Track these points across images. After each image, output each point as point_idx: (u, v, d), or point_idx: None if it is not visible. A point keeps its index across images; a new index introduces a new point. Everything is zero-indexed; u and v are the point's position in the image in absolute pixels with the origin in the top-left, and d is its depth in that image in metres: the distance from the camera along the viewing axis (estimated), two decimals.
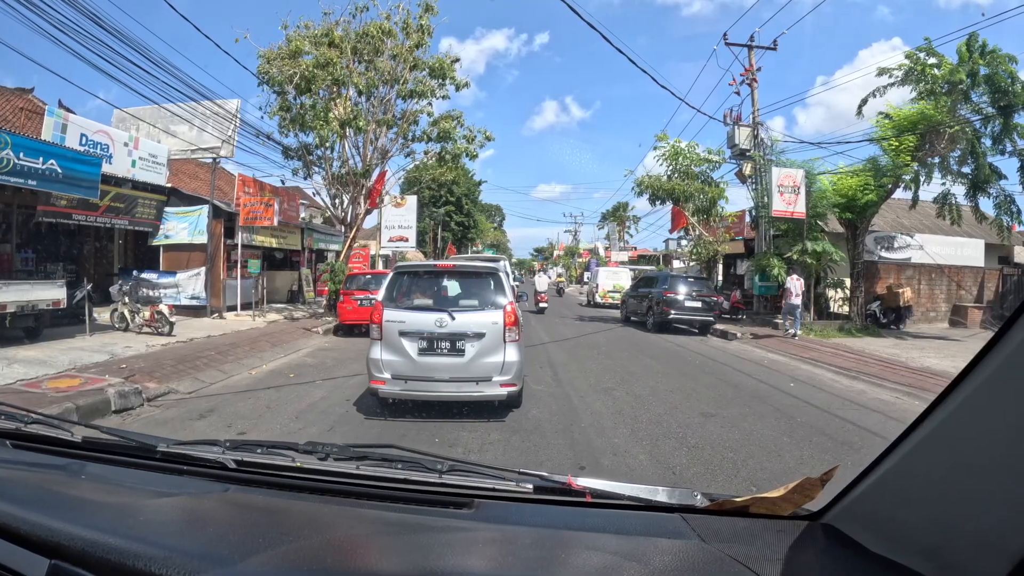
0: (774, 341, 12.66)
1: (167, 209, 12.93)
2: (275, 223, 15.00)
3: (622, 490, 1.19)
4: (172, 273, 13.02)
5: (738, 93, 17.55)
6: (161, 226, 12.82)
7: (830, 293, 16.77)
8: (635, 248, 51.49)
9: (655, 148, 18.08)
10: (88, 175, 9.21)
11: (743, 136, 17.23)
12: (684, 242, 26.46)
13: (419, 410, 5.54)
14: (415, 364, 5.27)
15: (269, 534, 0.97)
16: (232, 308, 14.05)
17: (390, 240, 24.56)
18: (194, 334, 10.19)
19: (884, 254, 18.28)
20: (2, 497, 1.01)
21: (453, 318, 5.29)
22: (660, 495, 1.18)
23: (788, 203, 14.43)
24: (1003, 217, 14.45)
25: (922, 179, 14.52)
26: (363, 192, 15.53)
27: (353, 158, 15.50)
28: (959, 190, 14.64)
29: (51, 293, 8.69)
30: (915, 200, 15.32)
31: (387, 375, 5.29)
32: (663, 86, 28.65)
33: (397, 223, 24.13)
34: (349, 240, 15.91)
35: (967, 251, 19.36)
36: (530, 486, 1.19)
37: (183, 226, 13.25)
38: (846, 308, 16.09)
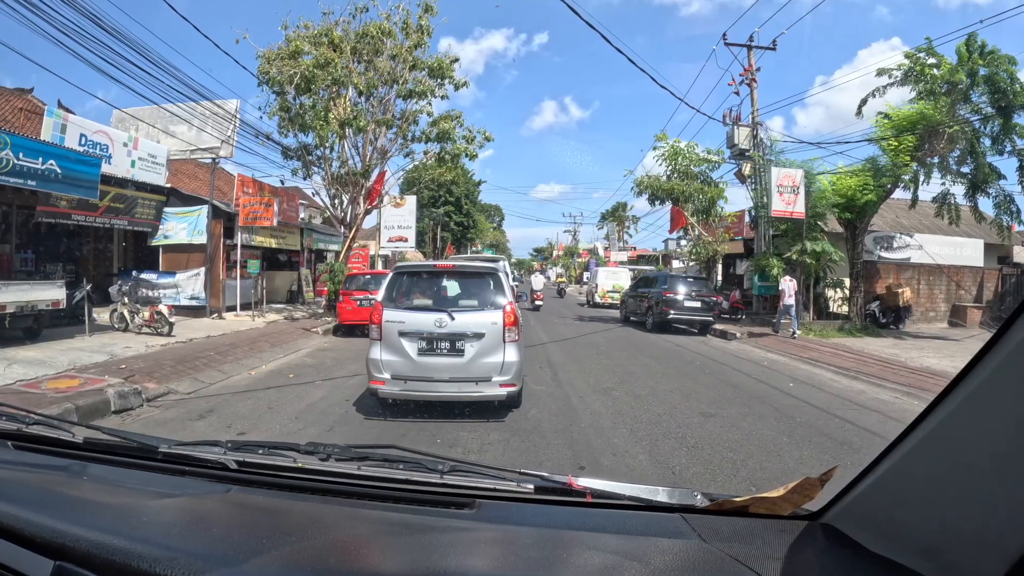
0: (773, 341, 12.67)
1: (166, 209, 12.92)
2: (274, 223, 15.01)
3: (622, 490, 1.19)
4: (171, 273, 13.01)
5: (737, 93, 17.57)
6: (160, 226, 12.81)
7: (829, 293, 16.79)
8: (634, 248, 51.48)
9: (654, 148, 18.10)
10: (87, 175, 9.20)
11: (742, 136, 17.24)
12: (683, 242, 26.46)
13: (419, 410, 5.54)
14: (415, 364, 5.27)
15: (272, 534, 0.98)
16: (231, 308, 14.05)
17: (389, 240, 24.57)
18: (193, 334, 10.19)
19: (883, 254, 18.30)
20: (5, 498, 1.02)
21: (453, 318, 5.29)
22: (660, 495, 1.19)
23: (787, 203, 14.44)
24: (1002, 217, 14.46)
25: (921, 179, 14.52)
26: (362, 192, 15.53)
27: (352, 158, 15.50)
28: (958, 190, 14.67)
29: (50, 293, 8.69)
30: (914, 200, 15.33)
31: (387, 375, 5.29)
32: (662, 86, 28.68)
33: (396, 223, 24.15)
34: (348, 240, 15.90)
35: (966, 251, 19.36)
36: (531, 486, 1.19)
37: (182, 226, 13.25)
38: (845, 308, 16.10)
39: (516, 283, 20.38)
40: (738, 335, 13.63)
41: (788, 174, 14.57)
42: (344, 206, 15.82)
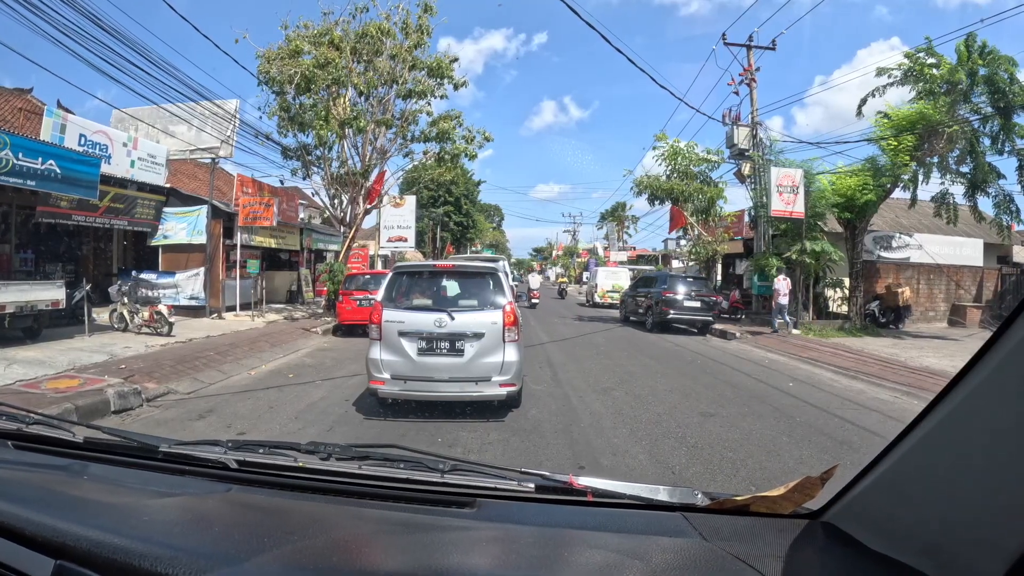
0: (773, 341, 12.68)
1: (166, 209, 12.92)
2: (274, 223, 15.01)
3: (623, 489, 1.19)
4: (171, 273, 13.01)
5: (737, 93, 17.58)
6: (160, 226, 12.82)
7: (829, 293, 16.81)
8: (634, 248, 51.43)
9: (654, 148, 18.11)
10: (87, 175, 9.20)
11: (742, 136, 17.24)
12: (683, 242, 26.49)
13: (418, 410, 5.54)
14: (414, 364, 5.27)
15: (273, 534, 0.98)
16: (231, 308, 14.04)
17: (389, 240, 24.59)
18: (193, 334, 10.18)
19: (883, 254, 18.30)
20: (6, 498, 1.02)
21: (452, 318, 5.29)
22: (661, 494, 1.19)
23: (787, 203, 14.45)
24: (1002, 216, 14.47)
25: (921, 179, 14.54)
26: (362, 192, 15.53)
27: (352, 158, 15.50)
28: (958, 190, 14.69)
29: (50, 293, 8.68)
30: (914, 200, 15.34)
31: (386, 375, 5.29)
32: (662, 86, 28.71)
33: (396, 223, 24.16)
34: (348, 240, 15.90)
35: (966, 251, 19.37)
36: (532, 485, 1.19)
37: (182, 226, 13.24)
38: (845, 308, 16.11)
39: (516, 283, 20.89)
40: (738, 335, 13.64)
41: (787, 174, 14.58)
42: (344, 206, 15.82)
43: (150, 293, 12.08)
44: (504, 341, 5.33)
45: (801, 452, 4.74)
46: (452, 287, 5.77)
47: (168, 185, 13.37)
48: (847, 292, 15.90)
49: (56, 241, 13.47)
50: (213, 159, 14.95)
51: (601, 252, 54.11)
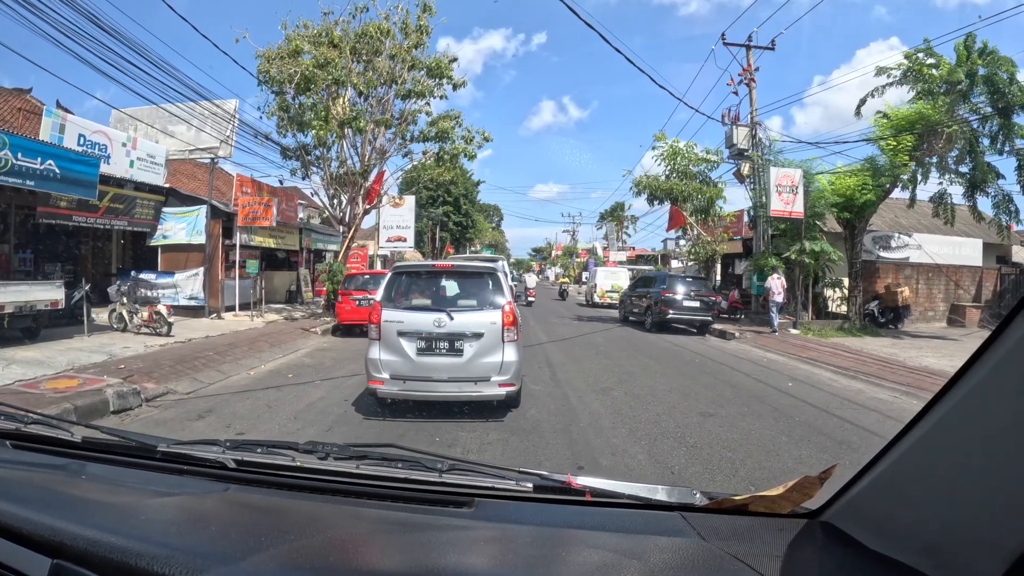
0: (772, 340, 12.68)
1: (165, 209, 12.91)
2: (273, 223, 15.00)
3: (622, 489, 1.19)
4: (170, 273, 13.00)
5: (736, 93, 17.62)
6: (159, 226, 12.81)
7: (828, 292, 16.82)
8: (633, 248, 51.42)
9: (653, 148, 18.10)
10: (86, 175, 9.20)
11: (741, 136, 17.25)
12: (682, 242, 26.49)
13: (418, 410, 5.54)
14: (414, 364, 5.27)
15: (271, 533, 0.97)
16: (230, 308, 14.03)
17: (388, 240, 24.57)
18: (192, 334, 10.18)
19: (882, 254, 18.31)
20: (4, 497, 1.01)
21: (452, 318, 5.29)
22: (660, 494, 1.18)
23: (786, 203, 14.45)
24: (1001, 216, 14.49)
25: (920, 179, 14.55)
26: (361, 192, 15.52)
27: (351, 158, 15.48)
28: (957, 190, 14.71)
29: (49, 294, 8.67)
30: (913, 200, 15.36)
31: (386, 375, 5.29)
32: (661, 86, 28.70)
33: (395, 223, 24.15)
34: (347, 240, 15.90)
35: (965, 250, 19.39)
36: (530, 485, 1.19)
37: (181, 226, 13.23)
38: (844, 307, 16.12)
39: (515, 283, 21.13)
40: (737, 335, 13.64)
41: (787, 174, 14.58)
42: (343, 206, 15.81)
43: (149, 293, 12.06)
44: (503, 341, 5.32)
45: (800, 452, 4.74)
46: (451, 287, 5.77)
47: (167, 185, 13.36)
48: (846, 292, 15.91)
49: (55, 241, 13.46)
50: (212, 159, 14.92)
51: (600, 252, 54.09)
